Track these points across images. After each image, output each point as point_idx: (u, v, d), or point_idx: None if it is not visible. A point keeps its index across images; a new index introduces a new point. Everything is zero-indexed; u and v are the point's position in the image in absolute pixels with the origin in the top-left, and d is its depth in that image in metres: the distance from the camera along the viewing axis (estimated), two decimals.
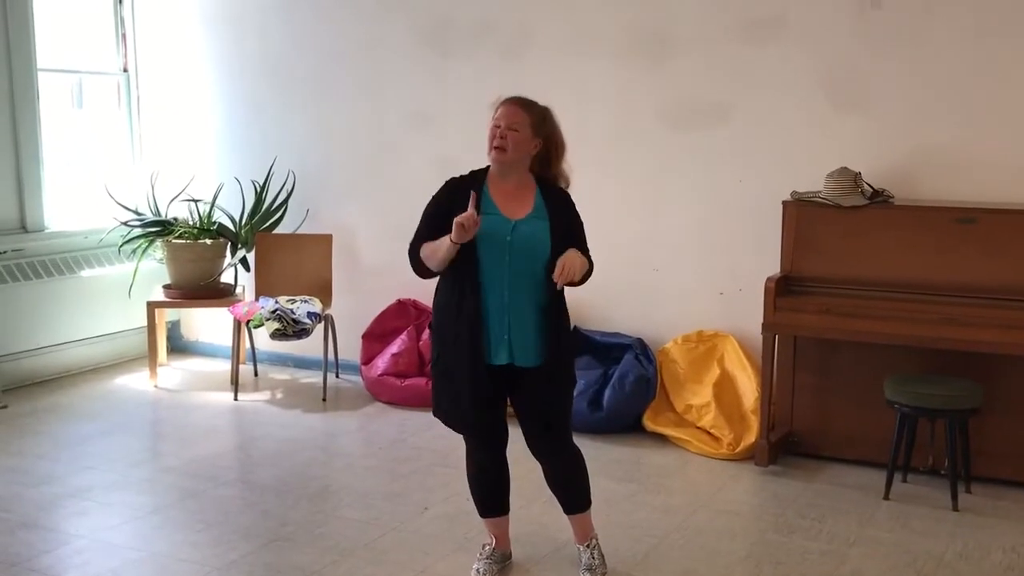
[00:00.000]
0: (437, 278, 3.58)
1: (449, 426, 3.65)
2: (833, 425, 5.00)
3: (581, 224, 3.62)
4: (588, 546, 3.75)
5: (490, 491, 3.75)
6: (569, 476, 3.71)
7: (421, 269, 3.55)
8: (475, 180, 3.54)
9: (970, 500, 4.52)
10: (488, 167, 3.54)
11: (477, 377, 3.47)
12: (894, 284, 4.70)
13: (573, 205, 3.61)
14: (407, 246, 3.56)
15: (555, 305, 3.51)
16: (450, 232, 3.36)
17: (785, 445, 5.05)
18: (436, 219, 3.49)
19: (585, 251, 3.58)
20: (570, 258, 3.41)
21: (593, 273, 3.61)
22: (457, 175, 3.59)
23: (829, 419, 5.01)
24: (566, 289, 3.52)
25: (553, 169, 3.61)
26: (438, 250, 3.44)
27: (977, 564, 3.91)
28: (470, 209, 3.34)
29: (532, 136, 3.49)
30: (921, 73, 4.97)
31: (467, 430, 3.64)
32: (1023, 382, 4.62)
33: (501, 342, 3.48)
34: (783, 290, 4.82)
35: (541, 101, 3.54)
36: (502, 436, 3.68)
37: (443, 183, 3.58)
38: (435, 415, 3.66)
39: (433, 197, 3.59)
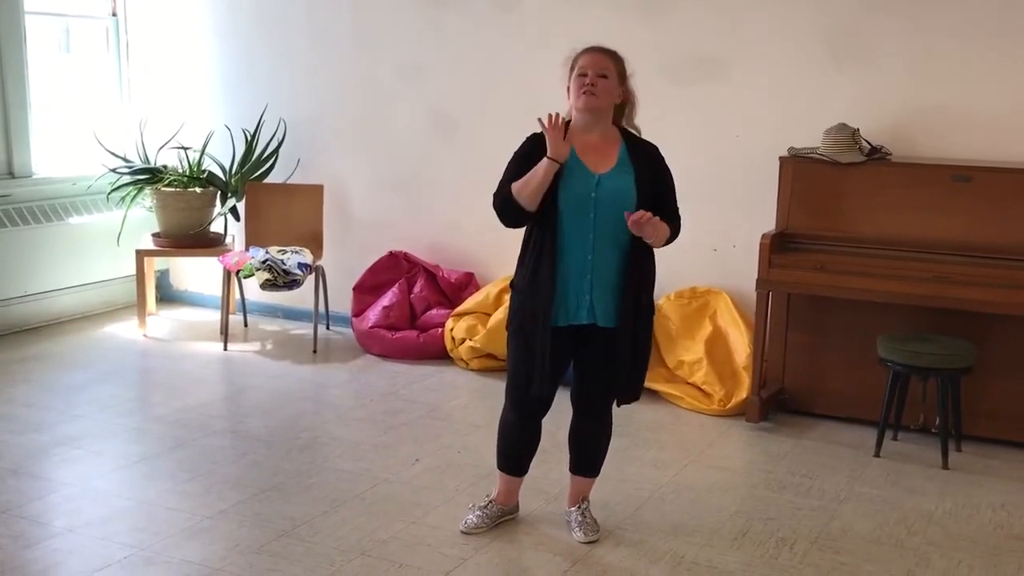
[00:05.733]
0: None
1: (518, 395, 3.54)
2: (825, 382, 5.00)
3: (672, 179, 3.53)
4: (579, 508, 3.73)
5: (520, 450, 3.71)
6: (597, 438, 3.69)
7: (512, 211, 3.37)
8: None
9: (960, 459, 4.54)
10: (568, 122, 3.40)
11: (548, 346, 3.37)
12: (889, 242, 4.68)
13: (662, 158, 3.52)
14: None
15: (638, 263, 3.41)
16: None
17: (776, 402, 5.05)
18: (522, 167, 3.35)
19: (675, 209, 3.52)
20: (656, 219, 3.34)
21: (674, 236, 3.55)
22: (538, 131, 3.39)
23: (821, 376, 5.01)
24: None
25: (626, 124, 3.54)
26: (532, 178, 3.29)
27: (966, 522, 3.93)
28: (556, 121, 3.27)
29: (618, 84, 3.42)
30: (921, 30, 4.91)
31: (527, 402, 3.53)
32: (1016, 342, 4.62)
33: (583, 303, 3.40)
34: (778, 247, 4.80)
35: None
36: (551, 401, 3.59)
37: (524, 139, 3.44)
38: (514, 383, 3.56)
39: (515, 152, 3.45)
